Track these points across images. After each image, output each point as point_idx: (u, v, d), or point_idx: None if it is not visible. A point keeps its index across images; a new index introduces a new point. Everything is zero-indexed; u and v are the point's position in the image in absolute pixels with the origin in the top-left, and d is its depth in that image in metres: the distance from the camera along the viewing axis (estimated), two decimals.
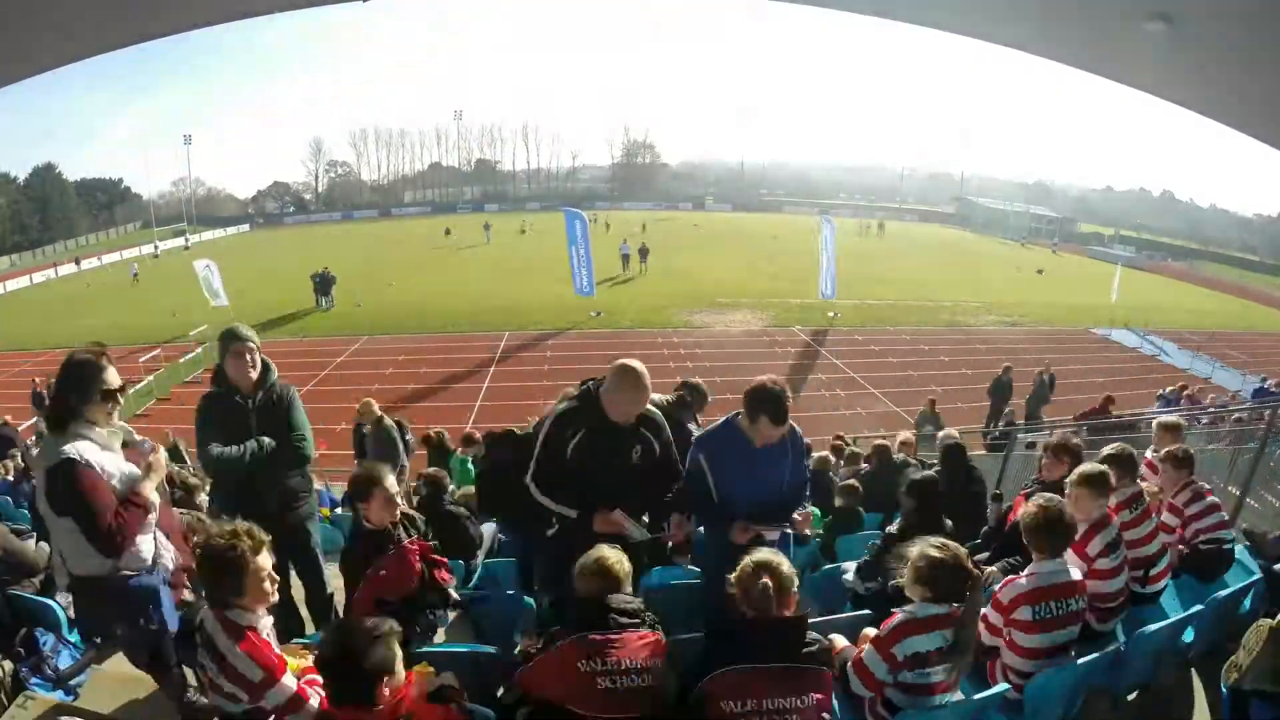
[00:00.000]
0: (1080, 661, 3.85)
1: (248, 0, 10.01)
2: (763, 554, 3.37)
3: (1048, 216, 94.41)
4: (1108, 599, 4.44)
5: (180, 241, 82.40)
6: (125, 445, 3.90)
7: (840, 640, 3.91)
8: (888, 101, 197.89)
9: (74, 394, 3.66)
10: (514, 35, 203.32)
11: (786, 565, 3.33)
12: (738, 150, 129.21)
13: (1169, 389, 19.61)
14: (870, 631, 3.71)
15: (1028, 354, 29.56)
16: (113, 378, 3.76)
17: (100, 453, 3.62)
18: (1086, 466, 4.59)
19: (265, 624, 3.25)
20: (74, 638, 5.02)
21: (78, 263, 69.98)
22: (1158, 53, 8.16)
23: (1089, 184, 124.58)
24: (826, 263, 35.22)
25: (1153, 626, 4.18)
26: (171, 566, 3.88)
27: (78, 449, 3.53)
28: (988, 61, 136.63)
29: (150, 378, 25.40)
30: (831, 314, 34.65)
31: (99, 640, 4.57)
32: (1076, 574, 3.98)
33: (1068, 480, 4.59)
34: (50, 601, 5.18)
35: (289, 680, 3.14)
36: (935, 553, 3.44)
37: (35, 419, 20.12)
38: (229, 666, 3.07)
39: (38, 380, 22.53)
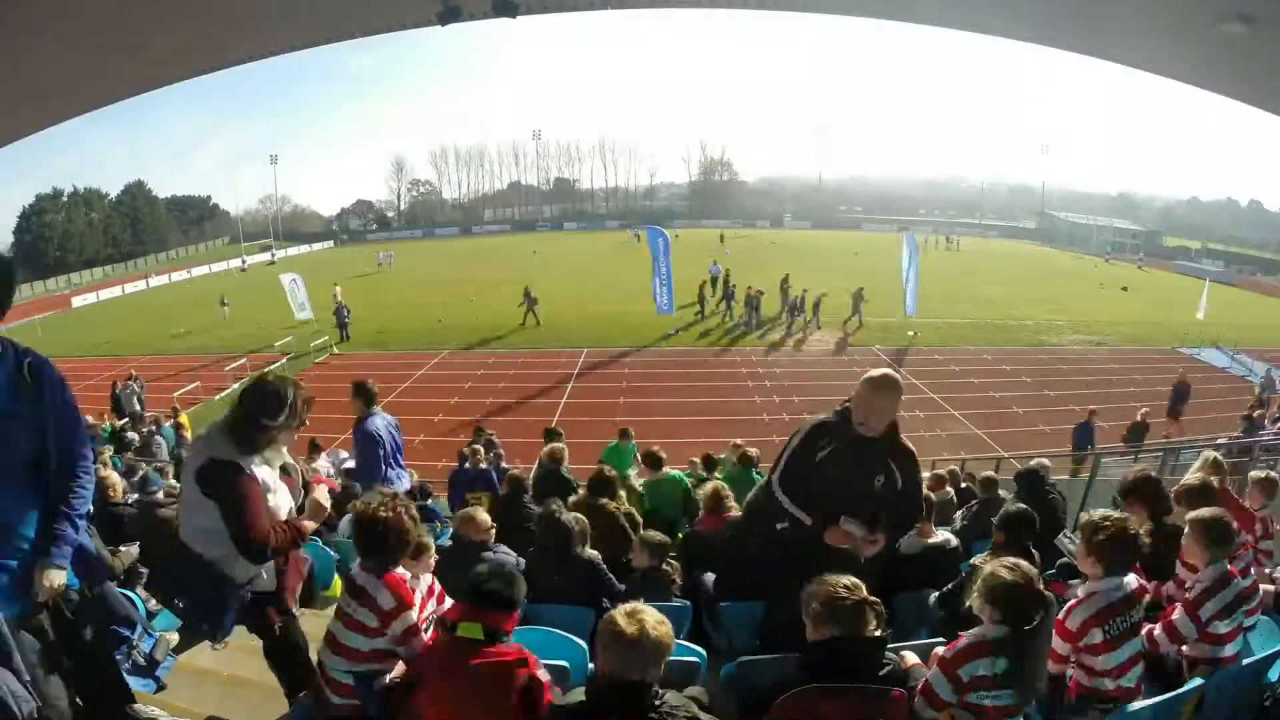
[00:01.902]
0: (1155, 701, 3.77)
1: (331, 27, 10.39)
2: (844, 576, 3.37)
3: (1132, 230, 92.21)
4: (1216, 663, 4.20)
5: (266, 256, 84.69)
6: (282, 469, 4.14)
7: (911, 657, 3.87)
8: (967, 115, 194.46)
9: (262, 416, 3.83)
10: (589, 55, 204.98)
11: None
12: (815, 166, 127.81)
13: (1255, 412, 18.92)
14: (940, 650, 3.66)
15: (1113, 374, 29.04)
16: (298, 408, 3.96)
17: (261, 466, 3.86)
18: (1206, 511, 4.38)
19: (405, 573, 3.98)
20: (158, 625, 5.32)
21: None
22: (1237, 55, 8.03)
23: (1174, 195, 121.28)
24: (909, 280, 34.75)
25: (1233, 667, 4.06)
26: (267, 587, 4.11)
27: (244, 458, 3.77)
28: (1066, 72, 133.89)
29: (236, 386, 25.97)
30: (911, 333, 34.19)
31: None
32: (1134, 583, 3.87)
33: (1187, 520, 4.43)
34: (133, 594, 5.45)
35: (413, 614, 3.77)
36: (1006, 574, 3.41)
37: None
38: (368, 597, 3.71)
39: (117, 383, 24.10)
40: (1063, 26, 9.74)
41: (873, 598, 3.31)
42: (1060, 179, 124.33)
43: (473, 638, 3.30)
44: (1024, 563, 3.49)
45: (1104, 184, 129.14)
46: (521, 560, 5.68)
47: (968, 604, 3.58)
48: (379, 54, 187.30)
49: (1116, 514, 4.01)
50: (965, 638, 3.44)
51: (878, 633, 3.31)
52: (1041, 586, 3.43)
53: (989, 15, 10.03)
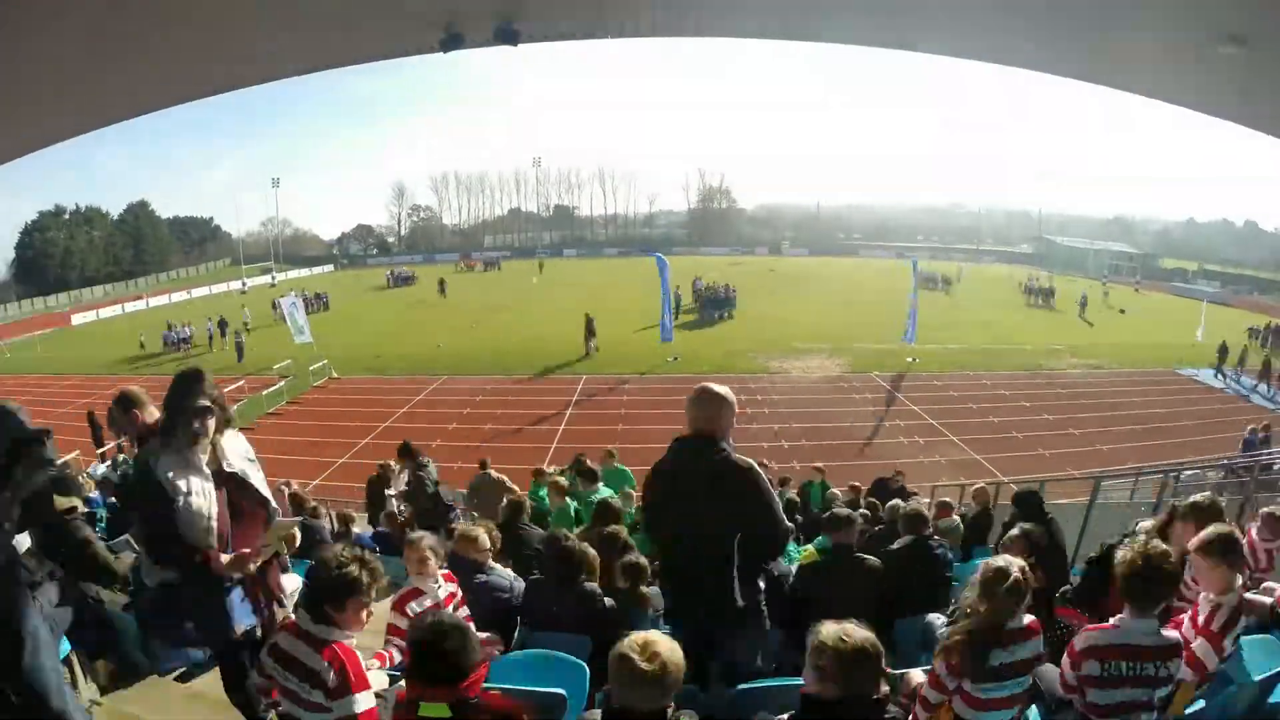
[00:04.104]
0: None
1: (333, 53, 10.44)
2: (857, 630, 3.02)
3: (1129, 253, 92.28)
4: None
5: (267, 279, 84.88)
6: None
7: (917, 675, 3.88)
8: (964, 142, 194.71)
9: (170, 410, 3.84)
10: (589, 82, 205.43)
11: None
12: (814, 193, 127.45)
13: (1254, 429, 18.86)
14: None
15: (1111, 398, 29.05)
16: (206, 394, 3.95)
17: (185, 470, 3.78)
18: (1215, 529, 4.15)
19: (351, 642, 3.42)
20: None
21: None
22: (1233, 77, 8.07)
23: (1170, 217, 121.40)
24: (911, 307, 34.81)
25: (1232, 688, 3.97)
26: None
27: (159, 458, 3.72)
28: (1061, 96, 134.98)
29: (235, 408, 25.90)
30: (910, 359, 34.27)
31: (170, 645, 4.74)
32: (1172, 636, 3.68)
33: (1191, 546, 4.16)
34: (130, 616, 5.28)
35: (364, 699, 3.30)
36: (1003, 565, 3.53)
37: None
38: (309, 671, 3.26)
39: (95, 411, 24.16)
40: (1059, 53, 9.79)
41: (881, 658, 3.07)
42: (1057, 203, 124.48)
43: (439, 717, 2.91)
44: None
45: (1100, 207, 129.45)
46: (519, 583, 5.66)
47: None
48: (381, 80, 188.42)
49: (1155, 544, 3.76)
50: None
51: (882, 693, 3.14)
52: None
53: (985, 43, 10.09)
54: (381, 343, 40.78)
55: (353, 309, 56.16)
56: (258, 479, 4.23)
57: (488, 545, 5.72)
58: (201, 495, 3.82)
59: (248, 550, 3.96)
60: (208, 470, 3.91)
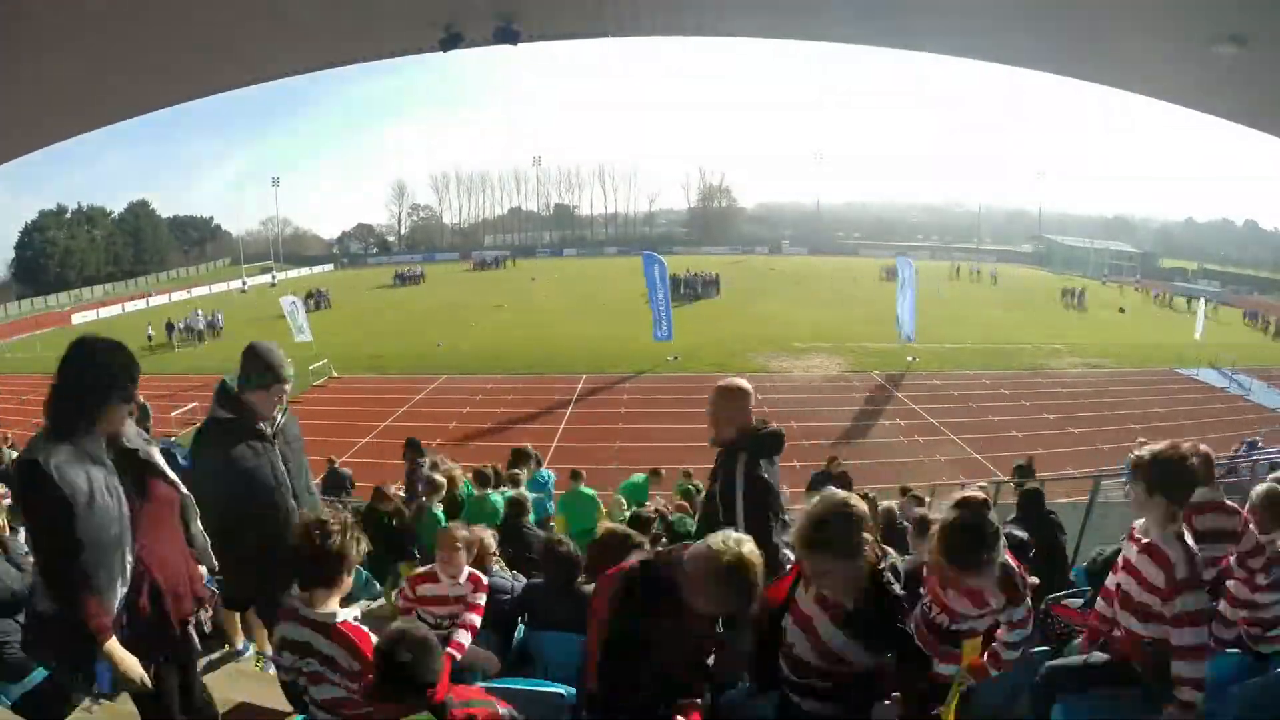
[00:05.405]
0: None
1: (333, 53, 10.43)
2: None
3: (1129, 253, 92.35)
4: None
5: (267, 278, 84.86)
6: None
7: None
8: (964, 140, 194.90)
9: (87, 392, 3.21)
10: (590, 81, 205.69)
11: None
12: (813, 193, 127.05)
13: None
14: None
15: (1111, 397, 29.06)
16: (121, 368, 3.31)
17: (79, 464, 3.10)
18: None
19: (347, 613, 3.26)
20: None
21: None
22: (1231, 76, 8.07)
23: (1170, 216, 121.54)
24: (907, 306, 34.75)
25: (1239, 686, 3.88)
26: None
27: (50, 453, 3.03)
28: (1060, 95, 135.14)
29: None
30: (910, 358, 34.23)
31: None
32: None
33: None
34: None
35: None
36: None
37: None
38: (325, 657, 3.16)
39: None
40: (1059, 51, 9.79)
41: None
42: (1056, 202, 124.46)
43: None
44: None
45: (1100, 206, 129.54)
46: (519, 584, 5.68)
47: None
48: (381, 79, 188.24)
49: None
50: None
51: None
52: None
53: (985, 42, 10.09)
54: (381, 341, 41.04)
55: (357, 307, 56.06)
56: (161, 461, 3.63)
57: (491, 547, 5.75)
58: (107, 492, 3.16)
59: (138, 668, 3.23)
60: (109, 461, 3.25)
